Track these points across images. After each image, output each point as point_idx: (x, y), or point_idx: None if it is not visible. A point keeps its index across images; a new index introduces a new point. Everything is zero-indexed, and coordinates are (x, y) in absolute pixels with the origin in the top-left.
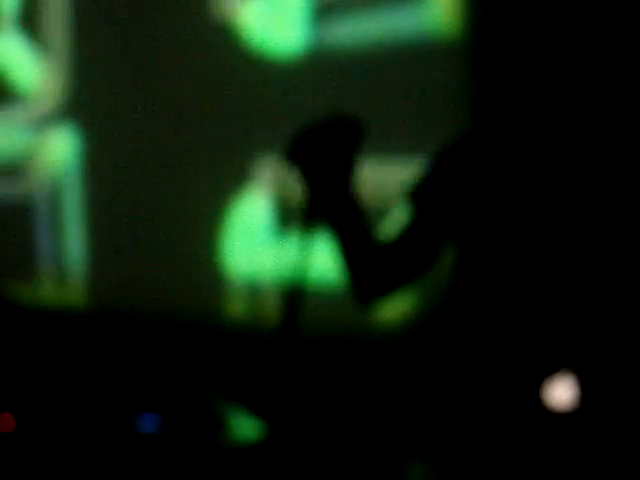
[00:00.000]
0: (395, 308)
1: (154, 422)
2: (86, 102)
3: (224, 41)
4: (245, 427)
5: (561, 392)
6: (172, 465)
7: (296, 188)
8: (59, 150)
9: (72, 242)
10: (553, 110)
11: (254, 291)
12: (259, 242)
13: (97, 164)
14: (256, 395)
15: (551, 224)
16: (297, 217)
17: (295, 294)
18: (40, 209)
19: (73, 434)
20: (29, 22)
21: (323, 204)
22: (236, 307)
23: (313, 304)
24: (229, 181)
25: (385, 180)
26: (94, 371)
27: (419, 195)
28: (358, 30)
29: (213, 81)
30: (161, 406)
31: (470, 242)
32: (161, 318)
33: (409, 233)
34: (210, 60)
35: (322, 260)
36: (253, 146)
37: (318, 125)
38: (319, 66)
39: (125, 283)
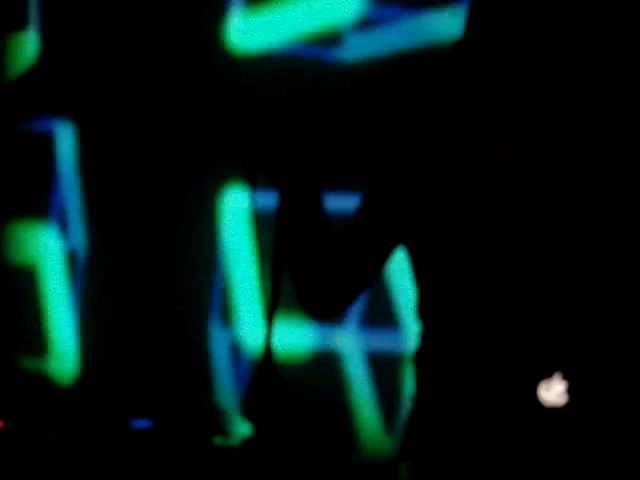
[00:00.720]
0: None
1: (146, 423)
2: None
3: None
4: (237, 427)
5: (555, 392)
6: (165, 464)
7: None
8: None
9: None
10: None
11: None
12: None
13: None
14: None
15: (536, 220)
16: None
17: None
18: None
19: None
20: None
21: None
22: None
23: None
24: None
25: None
26: None
27: (371, 187)
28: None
29: None
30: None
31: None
32: None
33: (358, 228)
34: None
35: None
36: None
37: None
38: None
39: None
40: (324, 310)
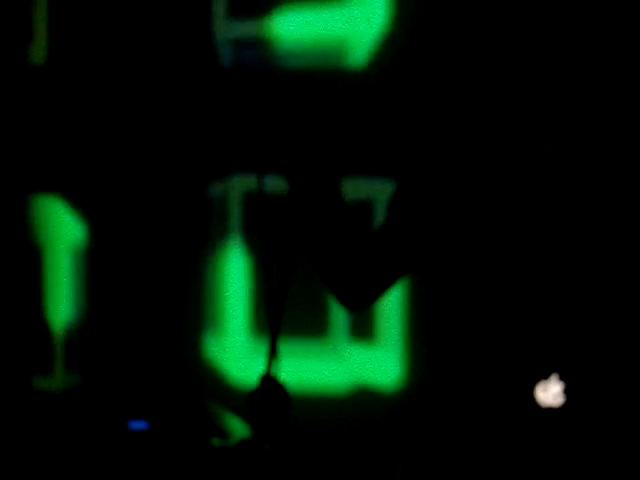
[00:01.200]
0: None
1: (144, 424)
2: None
3: None
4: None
5: (552, 393)
6: (162, 466)
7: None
8: None
9: None
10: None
11: None
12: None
13: None
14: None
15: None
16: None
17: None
18: None
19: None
20: None
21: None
22: None
23: None
24: None
25: None
26: None
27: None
28: None
29: None
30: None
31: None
32: None
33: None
34: None
35: None
36: None
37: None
38: None
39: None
40: (354, 302)
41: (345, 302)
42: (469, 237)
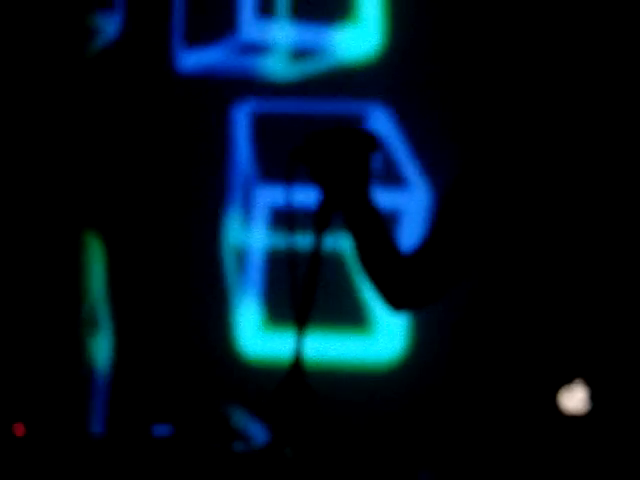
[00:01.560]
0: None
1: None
2: None
3: None
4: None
5: (575, 399)
6: (186, 471)
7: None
8: None
9: None
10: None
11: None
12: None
13: None
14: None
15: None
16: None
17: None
18: None
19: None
20: None
21: (336, 207)
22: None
23: None
24: None
25: None
26: None
27: (447, 206)
28: None
29: None
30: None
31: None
32: None
33: (436, 241)
34: None
35: None
36: None
37: (330, 130)
38: None
39: None
40: (404, 307)
41: (390, 304)
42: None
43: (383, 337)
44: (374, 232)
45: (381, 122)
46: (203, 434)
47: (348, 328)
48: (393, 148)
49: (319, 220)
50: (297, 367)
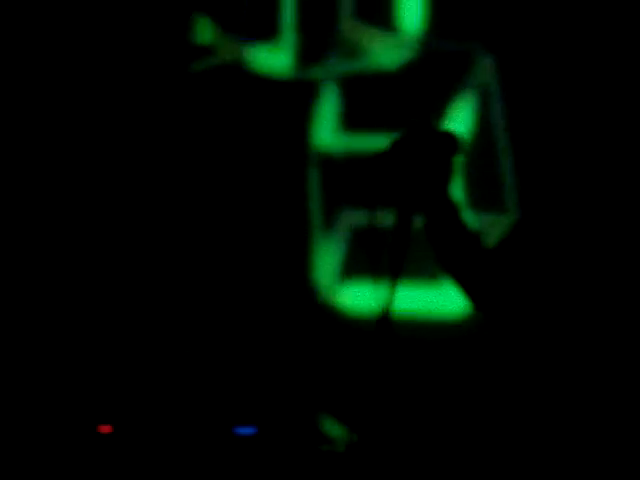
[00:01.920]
0: None
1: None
2: None
3: None
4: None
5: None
6: (270, 471)
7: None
8: None
9: None
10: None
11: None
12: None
13: None
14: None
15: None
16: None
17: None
18: None
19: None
20: None
21: (420, 205)
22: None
23: None
24: None
25: None
26: None
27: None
28: None
29: None
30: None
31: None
32: None
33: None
34: None
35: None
36: None
37: (421, 130)
38: None
39: None
40: (486, 307)
41: (473, 304)
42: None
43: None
44: (456, 234)
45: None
46: (288, 434)
47: (421, 280)
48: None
49: (401, 225)
50: (386, 318)
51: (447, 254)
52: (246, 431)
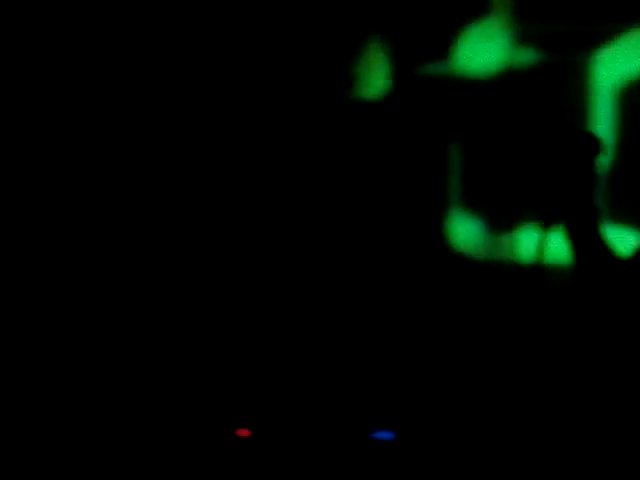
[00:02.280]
0: None
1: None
2: None
3: None
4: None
5: None
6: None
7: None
8: None
9: None
10: None
11: None
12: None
13: None
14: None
15: None
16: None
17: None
18: None
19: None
20: None
21: (562, 208)
22: None
23: None
24: None
25: None
26: None
27: None
28: None
29: None
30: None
31: None
32: None
33: None
34: None
35: None
36: None
37: (568, 132)
38: None
39: None
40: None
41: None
42: None
43: None
44: (594, 237)
45: None
46: (424, 439)
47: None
48: None
49: (544, 223)
50: (539, 265)
51: (582, 256)
52: (385, 436)
